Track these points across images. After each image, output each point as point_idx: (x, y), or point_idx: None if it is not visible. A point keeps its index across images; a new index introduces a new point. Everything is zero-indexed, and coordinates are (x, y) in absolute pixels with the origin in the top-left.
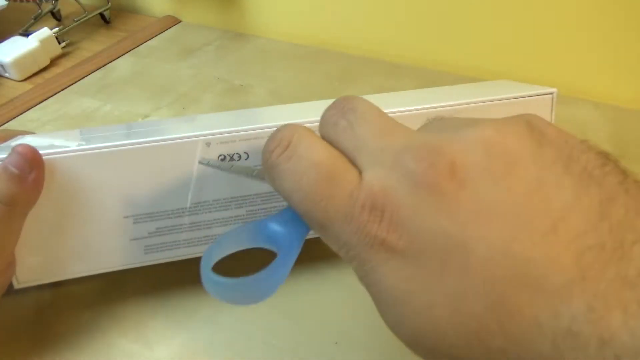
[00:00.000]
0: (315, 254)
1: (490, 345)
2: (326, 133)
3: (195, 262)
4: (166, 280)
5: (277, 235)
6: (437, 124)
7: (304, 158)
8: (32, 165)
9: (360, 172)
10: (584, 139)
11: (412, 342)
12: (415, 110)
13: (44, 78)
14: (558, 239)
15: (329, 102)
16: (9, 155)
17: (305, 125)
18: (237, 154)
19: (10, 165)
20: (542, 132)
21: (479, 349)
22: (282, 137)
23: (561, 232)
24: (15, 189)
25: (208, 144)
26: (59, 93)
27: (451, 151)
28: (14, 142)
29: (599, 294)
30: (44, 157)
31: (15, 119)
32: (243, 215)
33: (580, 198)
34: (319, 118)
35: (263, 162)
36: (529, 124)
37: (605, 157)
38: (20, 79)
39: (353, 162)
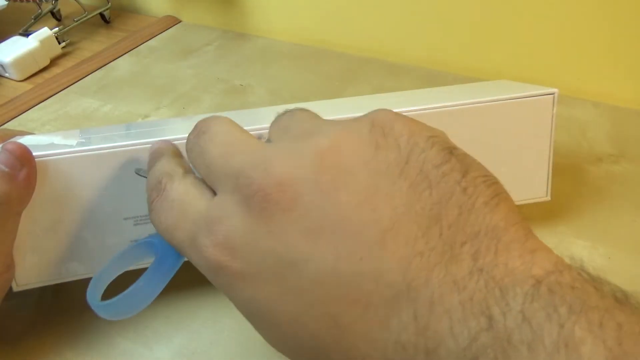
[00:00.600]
0: None
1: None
2: (190, 159)
3: None
4: None
5: (153, 245)
6: (283, 127)
7: (166, 198)
8: (22, 163)
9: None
10: (434, 133)
11: (275, 349)
12: (416, 110)
13: (44, 78)
14: (386, 251)
15: (328, 102)
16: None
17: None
18: None
19: (0, 163)
20: (383, 132)
21: None
22: (158, 178)
23: (389, 243)
24: (6, 187)
25: None
26: (59, 93)
27: (282, 169)
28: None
29: (425, 302)
30: (43, 159)
31: (15, 119)
32: None
33: (412, 204)
34: None
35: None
36: (373, 124)
37: (449, 152)
38: (20, 79)
39: (211, 186)
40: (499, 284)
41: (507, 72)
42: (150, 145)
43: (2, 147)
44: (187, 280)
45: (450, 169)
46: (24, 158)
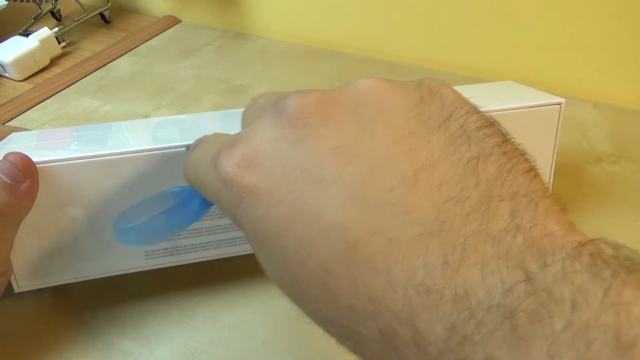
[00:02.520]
0: None
1: (339, 300)
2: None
3: (196, 263)
4: (166, 281)
5: (180, 190)
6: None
7: (200, 142)
8: (26, 175)
9: None
10: (477, 106)
11: (277, 285)
12: None
13: (44, 78)
14: (417, 187)
15: None
16: (0, 163)
17: None
18: None
19: (2, 174)
20: (430, 91)
21: (327, 305)
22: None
23: (422, 181)
24: (7, 199)
25: None
26: (59, 93)
27: (321, 94)
28: (6, 146)
29: (456, 248)
30: (45, 165)
31: (15, 118)
32: None
33: (448, 153)
34: None
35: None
36: (421, 84)
37: (490, 122)
38: (20, 79)
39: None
40: (537, 244)
41: (507, 72)
42: (148, 154)
43: (4, 157)
44: (187, 280)
45: (492, 132)
46: (27, 170)
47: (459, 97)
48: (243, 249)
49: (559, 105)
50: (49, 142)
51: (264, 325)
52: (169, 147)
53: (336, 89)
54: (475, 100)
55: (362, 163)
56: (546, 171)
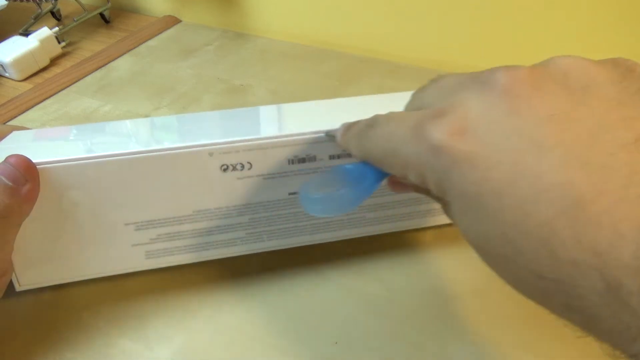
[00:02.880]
0: (315, 255)
1: (560, 255)
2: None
3: (196, 263)
4: (166, 281)
5: (354, 167)
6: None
7: (381, 122)
8: (27, 177)
9: None
10: None
11: (479, 247)
12: None
13: (44, 78)
14: (638, 153)
15: (329, 101)
16: (2, 165)
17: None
18: (239, 163)
19: (3, 176)
20: (628, 68)
21: (547, 260)
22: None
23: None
24: (8, 201)
25: (210, 154)
26: (59, 93)
27: (532, 67)
28: (7, 145)
29: None
30: (45, 167)
31: (15, 118)
32: (245, 223)
33: None
34: (315, 130)
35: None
36: (615, 62)
37: None
38: (20, 79)
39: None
40: None
41: None
42: (152, 155)
43: (5, 159)
44: (187, 280)
45: None
46: (28, 173)
47: None
48: (241, 249)
49: None
50: (49, 139)
51: (264, 325)
52: (168, 149)
53: (537, 66)
54: None
55: (581, 129)
56: None
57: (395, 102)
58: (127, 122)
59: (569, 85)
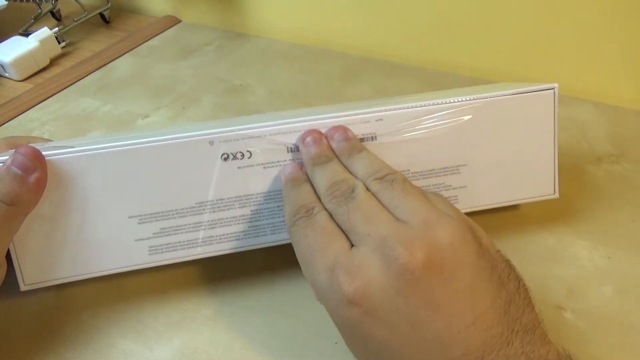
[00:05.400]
0: None
1: None
2: (330, 206)
3: (196, 261)
4: (166, 281)
5: None
6: (408, 212)
7: (315, 221)
8: (35, 166)
9: (351, 246)
10: (497, 249)
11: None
12: (417, 107)
13: (44, 78)
14: (476, 330)
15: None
16: (12, 155)
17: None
18: (240, 152)
19: (13, 165)
20: (480, 243)
21: None
22: (306, 200)
23: (478, 325)
24: (18, 189)
25: (211, 142)
26: (59, 93)
27: (418, 253)
28: None
29: None
30: (48, 158)
31: (15, 118)
32: (247, 215)
33: (495, 299)
34: (316, 116)
35: (288, 220)
36: (472, 230)
37: (510, 266)
38: (20, 79)
39: (348, 236)
40: None
41: (507, 72)
42: (153, 145)
43: (15, 150)
44: (187, 280)
45: (513, 277)
46: (37, 161)
47: (490, 244)
48: (244, 243)
49: (552, 90)
50: (63, 144)
51: (264, 325)
52: (169, 139)
53: (423, 239)
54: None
55: (444, 312)
56: (549, 162)
57: (395, 101)
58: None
59: (443, 272)
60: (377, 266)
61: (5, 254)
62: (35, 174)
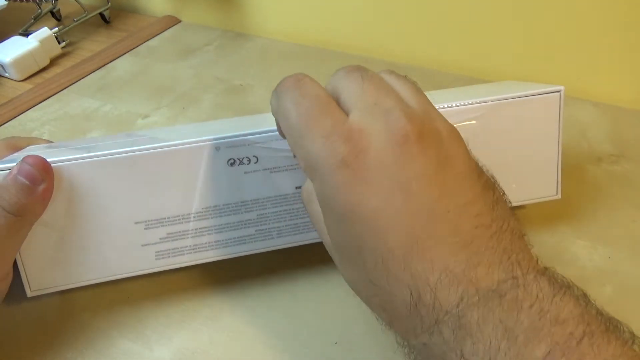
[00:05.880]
0: (315, 255)
1: (392, 271)
2: (335, 79)
3: (196, 264)
4: (166, 281)
5: None
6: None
7: (309, 89)
8: (43, 177)
9: (347, 115)
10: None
11: (338, 246)
12: None
13: (44, 78)
14: (465, 213)
15: None
16: (19, 165)
17: None
18: (246, 157)
19: (21, 175)
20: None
21: (381, 272)
22: (296, 75)
23: (468, 208)
24: (25, 200)
25: (217, 148)
26: (59, 93)
27: (420, 126)
28: (23, 155)
29: (477, 255)
30: (54, 165)
31: (15, 118)
32: (254, 219)
33: (484, 194)
34: None
35: (277, 87)
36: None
37: (495, 179)
38: (20, 79)
39: (345, 106)
40: (520, 261)
41: (507, 72)
42: (159, 151)
43: (22, 159)
44: (187, 280)
45: (499, 188)
46: (45, 172)
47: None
48: (251, 247)
49: (558, 93)
50: (63, 146)
51: (264, 325)
52: (176, 144)
53: (425, 123)
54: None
55: (440, 186)
56: (552, 164)
57: None
58: (139, 131)
59: (439, 151)
60: (377, 133)
61: (12, 264)
62: (43, 185)
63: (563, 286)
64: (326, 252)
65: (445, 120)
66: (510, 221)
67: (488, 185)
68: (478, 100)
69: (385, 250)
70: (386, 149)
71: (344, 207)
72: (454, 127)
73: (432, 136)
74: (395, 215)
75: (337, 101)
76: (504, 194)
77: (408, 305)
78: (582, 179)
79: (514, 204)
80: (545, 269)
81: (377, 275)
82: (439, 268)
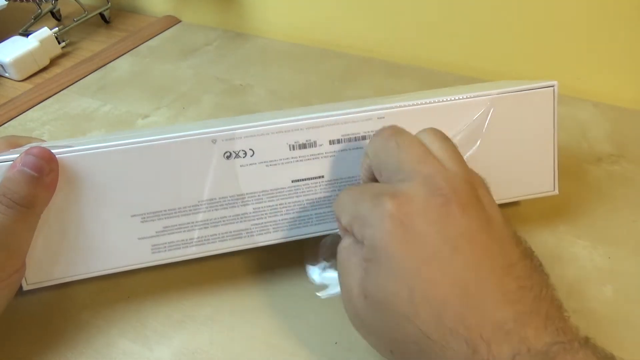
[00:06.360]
0: None
1: (446, 323)
2: (376, 144)
3: (196, 261)
4: (166, 280)
5: None
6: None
7: (401, 141)
8: (51, 167)
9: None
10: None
11: (377, 299)
12: (418, 105)
13: (44, 78)
14: (509, 274)
15: (329, 105)
16: (22, 157)
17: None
18: (242, 150)
19: (27, 167)
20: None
21: (435, 324)
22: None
23: (511, 271)
24: (34, 191)
25: (214, 140)
26: (59, 93)
27: (467, 192)
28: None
29: (525, 314)
30: (60, 156)
31: (15, 118)
32: (249, 213)
33: (523, 259)
34: (317, 114)
35: (378, 134)
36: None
37: (530, 250)
38: (20, 79)
39: (385, 177)
40: (562, 329)
41: (507, 72)
42: (156, 144)
43: (26, 151)
44: (187, 280)
45: (537, 258)
46: (51, 162)
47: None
48: (247, 241)
49: (552, 88)
50: (62, 143)
51: (264, 325)
52: (173, 137)
53: (464, 187)
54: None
55: (481, 246)
56: (548, 159)
57: (395, 100)
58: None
59: (480, 213)
60: (421, 195)
61: (26, 255)
62: (50, 175)
63: (607, 357)
64: (326, 252)
65: (484, 184)
66: (549, 289)
67: (527, 252)
68: (473, 94)
69: (440, 301)
70: (429, 207)
71: (392, 255)
72: (490, 190)
73: (473, 198)
74: (445, 266)
75: (379, 176)
76: (540, 264)
77: (464, 359)
78: (582, 179)
79: (511, 199)
80: (587, 338)
81: (429, 325)
82: (490, 323)
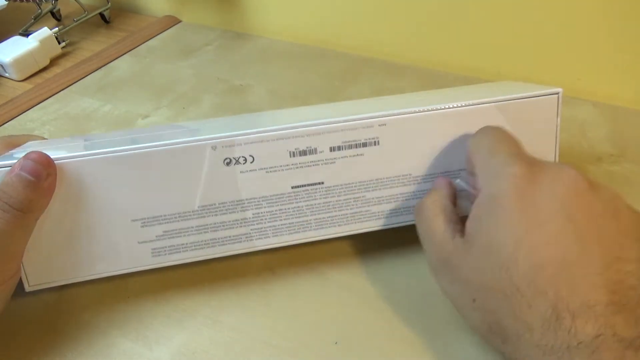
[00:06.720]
0: (315, 255)
1: (538, 281)
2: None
3: (196, 261)
4: (166, 281)
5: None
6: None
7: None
8: (48, 171)
9: None
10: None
11: (479, 244)
12: (421, 112)
13: (44, 78)
14: (617, 265)
15: (329, 105)
16: (21, 162)
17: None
18: (242, 157)
19: (24, 172)
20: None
21: (529, 278)
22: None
23: (621, 264)
24: (31, 196)
25: (214, 147)
26: (59, 93)
27: (592, 180)
28: (23, 151)
29: (619, 304)
30: (59, 162)
31: (15, 119)
32: (249, 218)
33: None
34: (319, 121)
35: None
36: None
37: None
38: (20, 79)
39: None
40: None
41: (507, 72)
42: (157, 150)
43: (25, 156)
44: (187, 280)
45: None
46: (49, 167)
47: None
48: (247, 246)
49: (556, 95)
50: (61, 143)
51: (264, 325)
52: (173, 143)
53: (589, 182)
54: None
55: (598, 229)
56: (550, 159)
57: (397, 103)
58: (137, 129)
59: (607, 203)
60: (553, 168)
61: (21, 260)
62: (48, 179)
63: None
64: (326, 252)
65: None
66: None
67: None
68: (476, 102)
69: (540, 262)
70: (559, 183)
71: (513, 205)
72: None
73: (603, 189)
74: (556, 233)
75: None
76: None
77: (545, 321)
78: None
79: None
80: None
81: (523, 280)
82: (580, 300)
